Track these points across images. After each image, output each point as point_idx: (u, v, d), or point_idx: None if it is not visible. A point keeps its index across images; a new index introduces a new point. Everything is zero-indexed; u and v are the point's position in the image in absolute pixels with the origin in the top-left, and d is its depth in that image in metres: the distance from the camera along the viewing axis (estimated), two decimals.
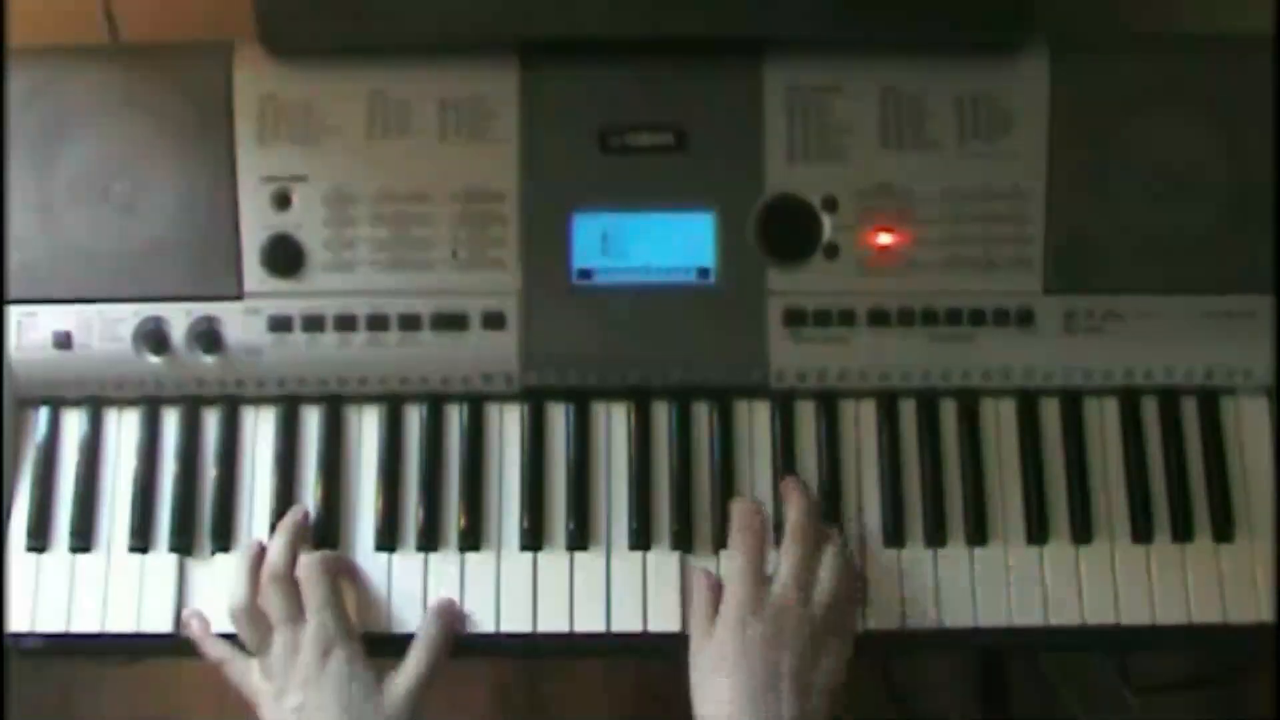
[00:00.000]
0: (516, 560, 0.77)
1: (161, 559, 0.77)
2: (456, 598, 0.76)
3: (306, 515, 0.77)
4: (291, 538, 0.75)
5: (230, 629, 0.74)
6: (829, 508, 0.77)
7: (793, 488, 0.75)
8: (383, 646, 0.74)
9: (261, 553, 0.75)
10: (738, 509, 0.74)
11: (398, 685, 0.72)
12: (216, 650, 0.75)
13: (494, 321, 0.77)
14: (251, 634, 0.73)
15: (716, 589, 0.73)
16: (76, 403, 0.80)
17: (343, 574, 0.76)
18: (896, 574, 0.77)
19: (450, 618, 0.75)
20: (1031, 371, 0.78)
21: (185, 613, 0.76)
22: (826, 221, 0.78)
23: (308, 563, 0.74)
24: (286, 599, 0.72)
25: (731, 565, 0.72)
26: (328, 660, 0.71)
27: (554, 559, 0.77)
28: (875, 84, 0.78)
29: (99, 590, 0.77)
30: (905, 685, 1.25)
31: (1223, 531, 0.78)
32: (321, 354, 0.78)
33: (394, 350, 0.78)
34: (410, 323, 0.77)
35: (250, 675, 0.73)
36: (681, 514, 0.77)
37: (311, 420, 0.80)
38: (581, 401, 0.79)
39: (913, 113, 0.78)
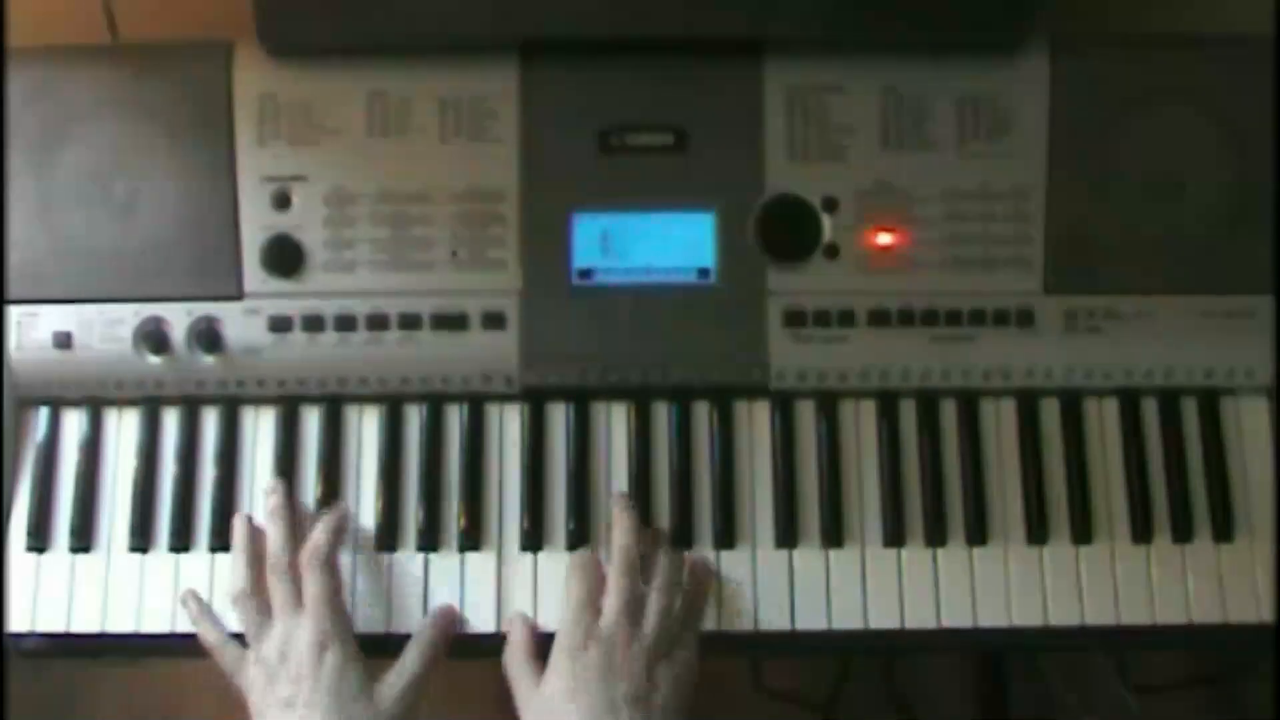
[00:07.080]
0: (517, 560, 0.77)
1: (161, 559, 0.77)
2: (457, 598, 0.76)
3: (298, 505, 0.77)
4: (290, 527, 0.75)
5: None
6: (830, 508, 0.77)
7: (619, 508, 0.75)
8: (382, 647, 0.74)
9: (255, 536, 0.75)
10: (575, 554, 0.75)
11: (390, 685, 0.72)
12: (211, 634, 0.74)
13: (494, 321, 0.77)
14: (251, 621, 0.73)
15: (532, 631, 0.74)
16: (76, 403, 0.80)
17: (342, 540, 0.76)
18: (896, 574, 0.77)
19: (449, 622, 0.75)
20: (1031, 371, 0.78)
21: (183, 592, 0.76)
22: (826, 221, 0.78)
23: (310, 553, 0.73)
24: (290, 590, 0.72)
25: (565, 601, 0.72)
26: (323, 657, 0.70)
27: (554, 559, 0.77)
28: (875, 84, 0.78)
29: (99, 590, 0.77)
30: (905, 685, 1.25)
31: (1223, 532, 0.78)
32: (321, 354, 0.78)
33: (394, 350, 0.78)
34: (410, 323, 0.77)
35: (243, 663, 0.73)
36: (682, 514, 0.77)
37: (311, 420, 0.79)
38: (581, 401, 0.79)
39: (913, 113, 0.78)
